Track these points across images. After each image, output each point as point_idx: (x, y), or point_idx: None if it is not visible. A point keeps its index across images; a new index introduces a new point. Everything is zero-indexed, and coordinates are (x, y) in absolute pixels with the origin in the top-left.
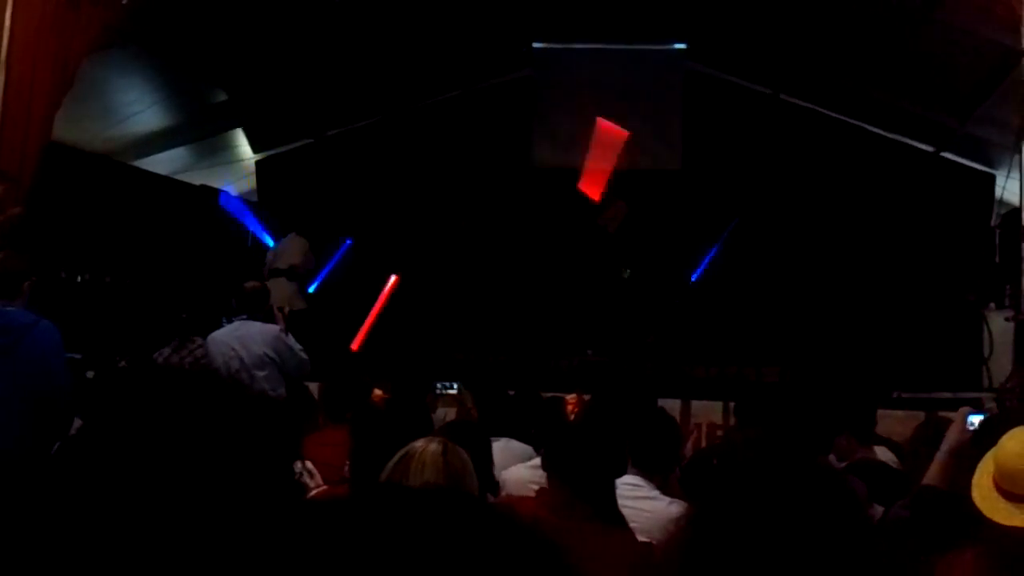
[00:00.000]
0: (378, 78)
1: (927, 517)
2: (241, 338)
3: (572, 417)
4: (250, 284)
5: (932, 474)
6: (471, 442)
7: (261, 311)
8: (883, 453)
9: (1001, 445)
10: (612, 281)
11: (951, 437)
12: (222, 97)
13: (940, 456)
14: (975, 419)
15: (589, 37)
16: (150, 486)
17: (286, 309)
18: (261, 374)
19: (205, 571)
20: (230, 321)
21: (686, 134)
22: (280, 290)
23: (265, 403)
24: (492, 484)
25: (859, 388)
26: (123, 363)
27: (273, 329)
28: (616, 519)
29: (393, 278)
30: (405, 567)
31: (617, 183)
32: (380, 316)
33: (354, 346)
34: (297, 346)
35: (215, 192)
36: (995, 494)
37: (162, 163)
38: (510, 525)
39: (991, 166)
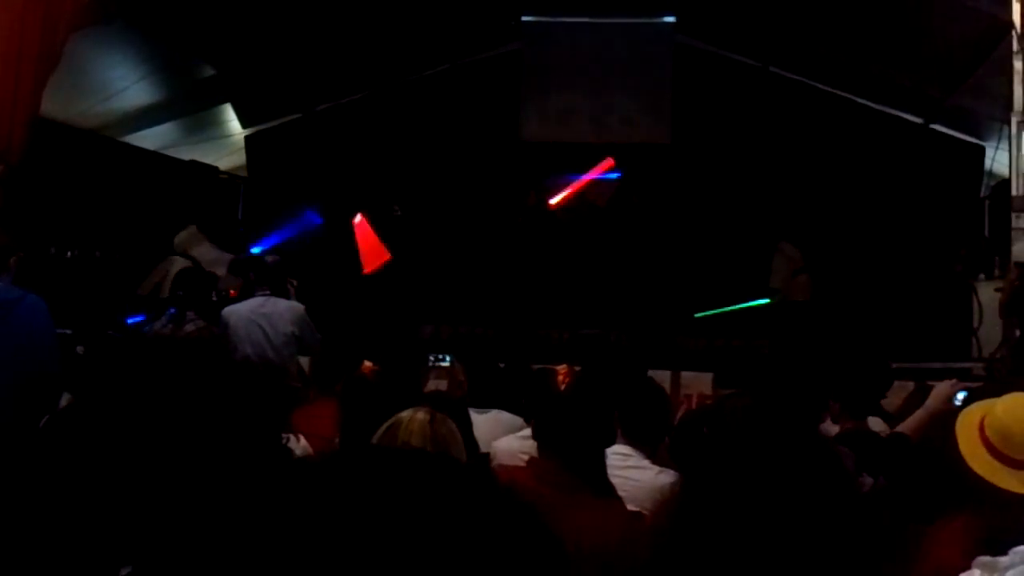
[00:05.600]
0: (367, 52)
1: (914, 484)
2: (268, 315)
3: (562, 388)
4: (271, 257)
5: (908, 425)
6: (451, 414)
7: (282, 285)
8: (875, 423)
9: (999, 413)
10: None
11: (933, 403)
12: (210, 72)
13: (921, 413)
14: (962, 396)
15: (578, 10)
16: (137, 452)
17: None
18: (286, 352)
19: (192, 534)
20: (219, 298)
21: (676, 108)
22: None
23: (251, 371)
24: (476, 455)
25: (853, 361)
26: (114, 336)
27: (299, 307)
28: (606, 489)
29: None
30: (387, 523)
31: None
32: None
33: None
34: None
35: (204, 167)
36: (997, 463)
37: (151, 138)
38: (488, 484)
39: (980, 138)
